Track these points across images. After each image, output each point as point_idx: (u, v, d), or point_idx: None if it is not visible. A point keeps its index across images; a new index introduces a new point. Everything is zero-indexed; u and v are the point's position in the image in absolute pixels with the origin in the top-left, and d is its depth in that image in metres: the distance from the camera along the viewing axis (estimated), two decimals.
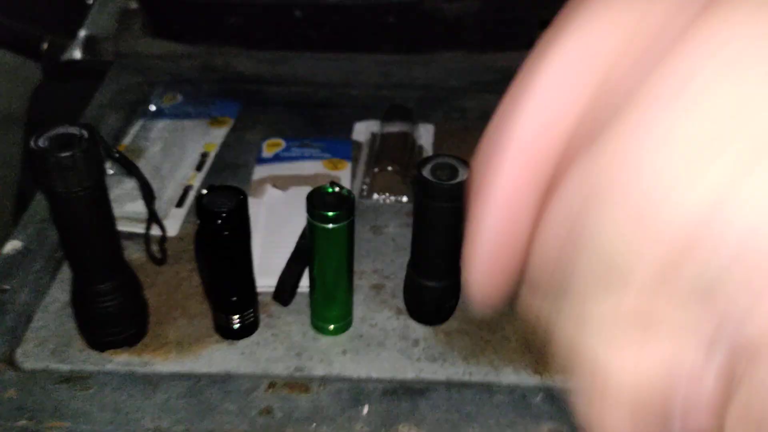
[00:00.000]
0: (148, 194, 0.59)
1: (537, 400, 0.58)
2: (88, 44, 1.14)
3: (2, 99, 1.22)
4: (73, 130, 0.51)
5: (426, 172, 0.56)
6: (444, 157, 0.58)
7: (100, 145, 0.53)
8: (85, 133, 0.50)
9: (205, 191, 0.56)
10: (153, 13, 1.10)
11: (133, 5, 1.17)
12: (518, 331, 0.64)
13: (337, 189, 0.57)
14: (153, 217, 0.62)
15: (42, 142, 0.50)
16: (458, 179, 0.56)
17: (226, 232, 0.55)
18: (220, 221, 0.54)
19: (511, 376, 0.60)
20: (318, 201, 0.56)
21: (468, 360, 0.61)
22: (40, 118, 1.06)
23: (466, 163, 0.57)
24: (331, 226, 0.56)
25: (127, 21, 1.15)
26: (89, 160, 0.50)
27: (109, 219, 0.55)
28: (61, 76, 1.08)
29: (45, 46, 1.33)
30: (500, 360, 0.61)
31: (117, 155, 0.56)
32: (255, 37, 1.08)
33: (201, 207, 0.55)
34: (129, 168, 0.57)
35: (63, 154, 0.49)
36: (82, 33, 1.15)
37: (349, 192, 0.57)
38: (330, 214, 0.55)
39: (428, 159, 0.57)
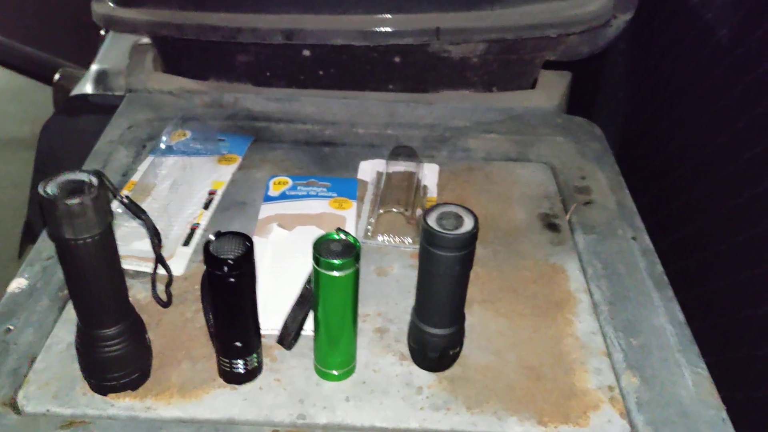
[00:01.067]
0: (155, 238, 0.59)
1: None
2: (100, 78, 1.16)
3: (13, 122, 1.23)
4: (83, 176, 0.51)
5: (431, 221, 0.56)
6: (450, 205, 0.58)
7: (109, 191, 0.53)
8: (95, 180, 0.51)
9: (212, 237, 0.56)
10: (164, 50, 1.11)
11: (145, 41, 1.18)
12: (523, 379, 0.64)
13: (342, 236, 0.57)
14: (159, 261, 0.62)
15: (51, 189, 0.50)
16: (463, 229, 0.56)
17: (233, 279, 0.55)
18: (226, 268, 0.54)
19: (515, 427, 0.60)
20: (324, 249, 0.56)
21: (472, 409, 0.61)
22: (50, 152, 1.07)
23: (472, 213, 0.57)
24: (336, 274, 0.56)
25: (139, 56, 1.16)
26: (98, 208, 0.50)
27: (115, 265, 0.55)
28: (71, 110, 1.09)
29: (57, 76, 1.35)
30: (504, 410, 0.61)
31: (126, 201, 0.56)
32: (264, 75, 1.09)
33: (208, 254, 0.55)
34: (137, 213, 0.57)
35: (72, 202, 0.49)
36: (94, 67, 1.17)
37: (355, 239, 0.57)
38: (336, 262, 0.55)
39: (434, 207, 0.58)
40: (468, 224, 0.56)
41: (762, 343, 0.70)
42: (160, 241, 0.60)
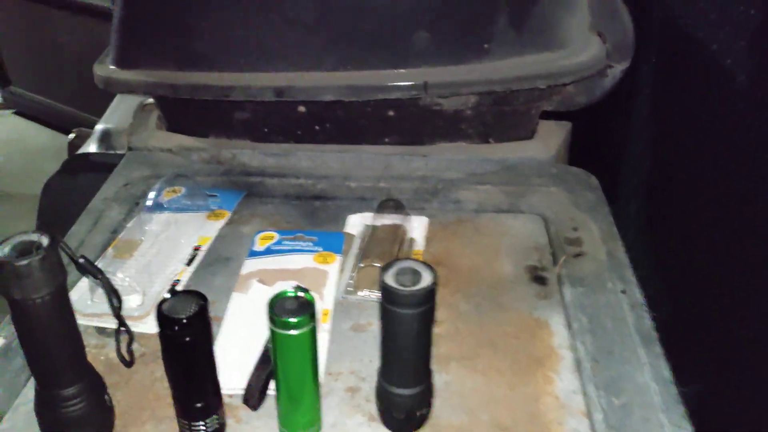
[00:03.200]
0: (112, 297, 0.59)
1: None
2: (104, 137, 1.19)
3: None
4: (33, 237, 0.52)
5: (388, 278, 0.55)
6: (407, 261, 0.57)
7: (65, 252, 0.54)
8: (44, 241, 0.51)
9: (167, 296, 0.56)
10: (166, 109, 1.14)
11: (151, 101, 1.22)
12: None
13: (300, 294, 0.56)
14: (118, 320, 0.62)
15: (3, 250, 0.51)
16: (421, 285, 0.55)
17: (187, 339, 0.54)
18: (178, 328, 0.54)
19: None
20: (279, 307, 0.55)
21: None
22: (52, 210, 1.10)
23: (430, 267, 0.56)
24: (292, 332, 0.55)
25: (144, 116, 1.19)
26: (47, 268, 0.51)
27: (69, 325, 0.55)
28: (72, 169, 1.12)
29: (72, 136, 1.39)
30: None
31: (82, 261, 0.57)
32: (262, 132, 1.11)
33: (161, 314, 0.54)
34: (94, 275, 0.58)
35: (19, 263, 0.50)
36: (99, 126, 1.20)
37: (312, 297, 0.56)
38: (291, 320, 0.54)
39: (391, 263, 0.57)
40: (426, 279, 0.55)
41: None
42: (119, 300, 0.60)
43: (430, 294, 0.55)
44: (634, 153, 1.17)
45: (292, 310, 0.55)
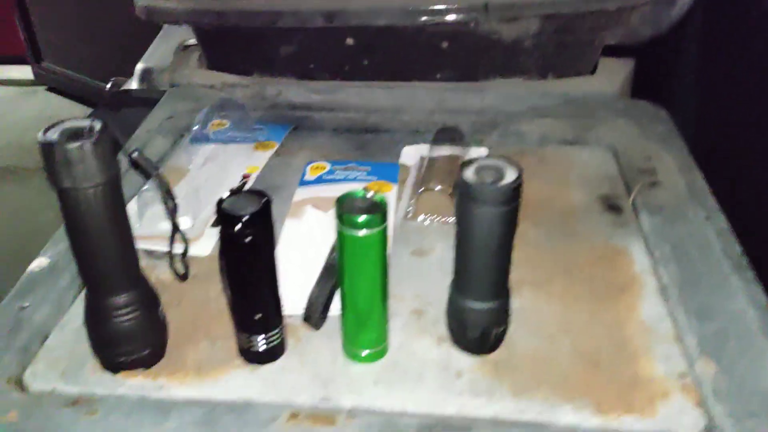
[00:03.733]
0: (168, 197, 0.55)
1: None
2: (144, 75, 1.15)
3: None
4: (84, 122, 0.47)
5: (469, 173, 0.50)
6: (489, 158, 0.51)
7: (117, 142, 0.49)
8: (96, 126, 0.47)
9: (226, 195, 0.51)
10: (208, 46, 1.09)
11: (191, 41, 1.17)
12: (578, 366, 0.56)
13: (369, 194, 0.51)
14: (174, 228, 0.58)
15: (51, 135, 0.46)
16: (505, 181, 0.49)
17: (248, 238, 0.50)
18: (241, 226, 0.49)
19: (569, 415, 0.52)
20: (347, 206, 0.51)
21: (519, 396, 0.53)
22: None
23: (515, 164, 0.51)
24: (362, 233, 0.50)
25: (184, 55, 1.15)
26: (99, 155, 0.46)
27: (122, 223, 0.50)
28: (114, 104, 1.08)
29: (109, 85, 1.35)
30: (557, 397, 0.53)
31: (135, 153, 0.52)
32: (308, 67, 1.06)
33: (221, 211, 0.50)
34: (148, 170, 0.53)
35: (70, 146, 0.45)
36: (140, 65, 1.16)
37: (382, 197, 0.51)
38: (361, 219, 0.49)
39: (472, 161, 0.51)
40: (510, 176, 0.50)
41: None
42: (174, 202, 0.55)
43: (515, 191, 0.49)
44: (679, 95, 1.10)
45: (362, 209, 0.50)
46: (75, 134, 0.47)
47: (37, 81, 3.03)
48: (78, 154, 0.45)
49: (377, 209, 0.50)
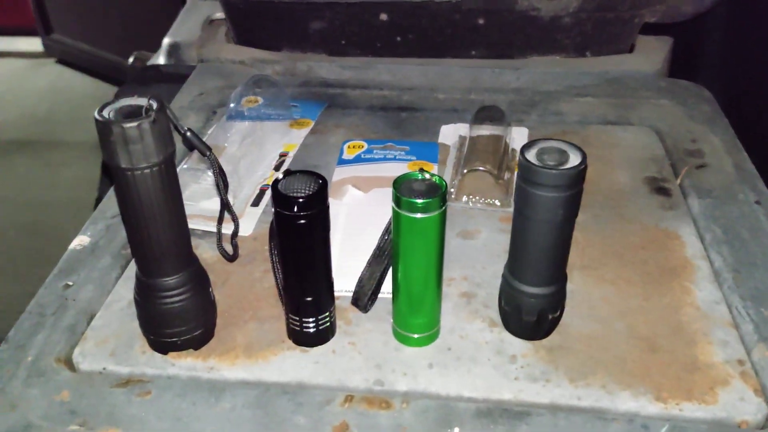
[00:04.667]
0: (220, 178, 0.54)
1: None
2: (172, 50, 1.13)
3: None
4: (142, 101, 0.46)
5: (530, 155, 0.49)
6: (551, 140, 0.50)
7: (170, 122, 0.48)
8: (154, 104, 0.46)
9: (281, 176, 0.50)
10: (237, 20, 1.08)
11: (219, 15, 1.15)
12: (635, 351, 0.55)
13: (427, 176, 0.50)
14: (225, 207, 0.57)
15: (107, 113, 0.45)
16: (569, 165, 0.48)
17: (303, 221, 0.49)
18: (297, 208, 0.48)
19: (629, 402, 0.51)
20: (405, 188, 0.49)
21: (576, 382, 0.52)
22: None
23: (578, 148, 0.49)
24: (419, 216, 0.49)
25: (212, 29, 1.13)
26: (157, 134, 0.45)
27: (177, 203, 0.49)
28: (143, 79, 1.06)
29: (132, 59, 1.34)
30: (615, 383, 0.52)
31: (188, 134, 0.51)
32: (339, 44, 1.04)
33: (277, 192, 0.49)
34: (202, 151, 0.52)
35: (128, 125, 0.44)
36: (166, 40, 1.15)
37: (441, 179, 0.50)
38: (419, 202, 0.48)
39: (533, 142, 0.50)
40: (574, 159, 0.48)
41: None
42: (226, 182, 0.54)
43: (579, 175, 0.48)
44: (715, 74, 1.08)
45: (420, 192, 0.49)
46: (132, 113, 0.45)
47: (47, 53, 3.00)
48: (136, 133, 0.44)
49: (436, 192, 0.49)
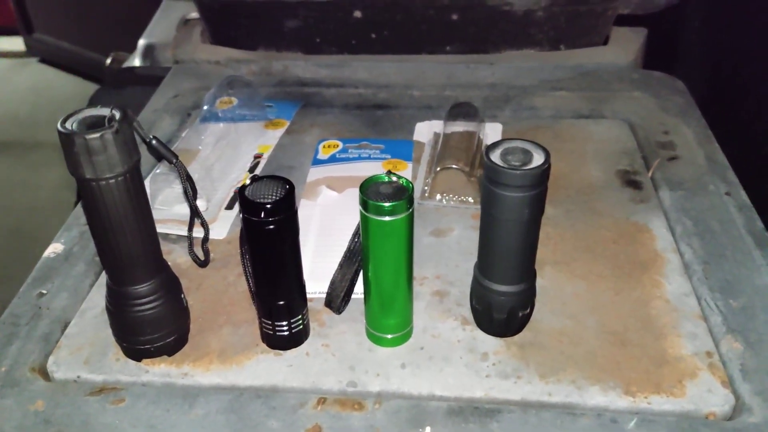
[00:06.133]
0: (187, 184, 0.54)
1: (631, 426, 0.49)
2: (147, 52, 1.13)
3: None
4: (104, 111, 0.46)
5: (495, 156, 0.49)
6: (515, 141, 0.50)
7: (135, 131, 0.48)
8: (117, 114, 0.46)
9: (248, 181, 0.50)
10: (212, 20, 1.07)
11: (193, 15, 1.15)
12: (605, 345, 0.55)
13: (394, 178, 0.51)
14: (194, 213, 0.57)
15: (70, 125, 0.45)
16: (533, 165, 0.48)
17: (272, 226, 0.49)
18: (264, 214, 0.48)
19: (598, 396, 0.52)
20: (372, 192, 0.50)
21: (546, 378, 0.53)
22: None
23: (542, 147, 0.50)
24: (387, 218, 0.49)
25: (187, 30, 1.13)
26: (120, 144, 0.45)
27: (144, 211, 0.50)
28: (118, 82, 1.06)
29: (109, 60, 1.33)
30: (585, 379, 0.53)
31: (154, 142, 0.51)
32: (314, 42, 1.04)
33: (244, 199, 0.49)
34: (168, 158, 0.52)
35: (91, 137, 0.44)
36: (142, 41, 1.14)
37: (408, 181, 0.50)
38: (386, 205, 0.49)
39: (498, 143, 0.50)
40: (538, 159, 0.49)
41: None
42: (194, 188, 0.54)
43: (543, 174, 0.49)
44: (690, 64, 1.09)
45: (387, 195, 0.49)
46: (94, 123, 0.45)
47: (29, 52, 2.97)
48: (99, 144, 0.44)
49: (403, 194, 0.49)
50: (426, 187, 0.74)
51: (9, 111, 2.68)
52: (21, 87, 2.89)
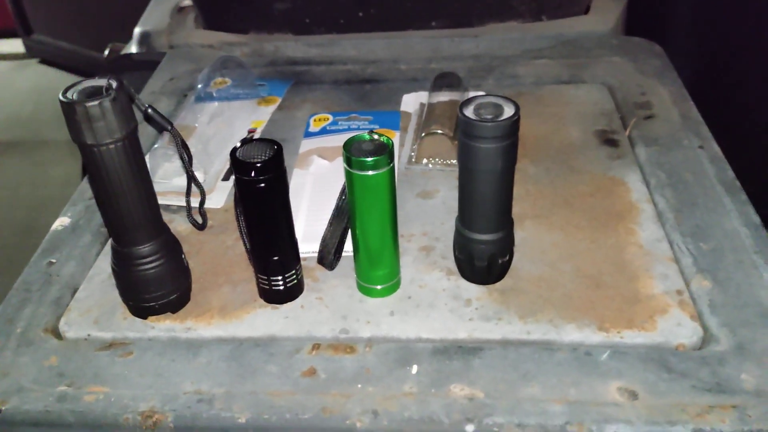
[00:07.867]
0: (183, 151, 0.57)
1: (603, 358, 0.53)
2: (143, 39, 1.16)
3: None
4: (101, 81, 0.50)
5: (468, 111, 0.52)
6: (487, 96, 0.54)
7: (131, 98, 0.52)
8: (114, 84, 0.49)
9: (239, 144, 0.54)
10: (205, 6, 1.11)
11: (187, 2, 1.18)
12: (581, 288, 0.59)
13: (375, 137, 0.54)
14: (191, 178, 0.60)
15: (71, 95, 0.49)
16: (503, 117, 0.52)
17: (262, 184, 0.53)
18: (254, 173, 0.52)
19: (573, 333, 0.55)
20: (354, 149, 0.53)
21: (525, 319, 0.57)
22: None
23: (512, 101, 0.53)
24: (370, 173, 0.53)
25: (180, 16, 1.16)
26: (119, 111, 0.49)
27: (143, 174, 0.53)
28: (116, 69, 1.09)
29: (107, 51, 1.36)
30: (561, 318, 0.56)
31: (150, 111, 0.55)
32: (304, 23, 1.07)
33: (235, 159, 0.53)
34: (163, 125, 0.55)
35: (91, 104, 0.48)
36: (137, 29, 1.17)
37: (388, 139, 0.54)
38: (368, 160, 0.52)
39: (471, 99, 0.54)
40: (508, 111, 0.52)
41: None
42: (190, 155, 0.58)
43: (513, 126, 0.52)
44: (676, 31, 1.11)
45: (369, 151, 0.53)
46: (93, 93, 0.49)
47: (29, 54, 3.00)
48: (98, 111, 0.48)
49: (383, 150, 0.53)
50: (413, 153, 0.78)
51: (12, 112, 2.72)
52: (23, 88, 2.92)
